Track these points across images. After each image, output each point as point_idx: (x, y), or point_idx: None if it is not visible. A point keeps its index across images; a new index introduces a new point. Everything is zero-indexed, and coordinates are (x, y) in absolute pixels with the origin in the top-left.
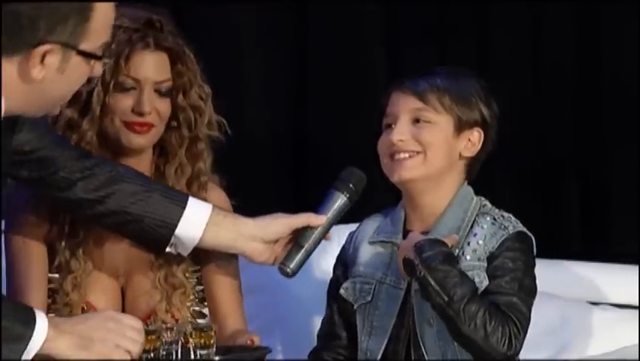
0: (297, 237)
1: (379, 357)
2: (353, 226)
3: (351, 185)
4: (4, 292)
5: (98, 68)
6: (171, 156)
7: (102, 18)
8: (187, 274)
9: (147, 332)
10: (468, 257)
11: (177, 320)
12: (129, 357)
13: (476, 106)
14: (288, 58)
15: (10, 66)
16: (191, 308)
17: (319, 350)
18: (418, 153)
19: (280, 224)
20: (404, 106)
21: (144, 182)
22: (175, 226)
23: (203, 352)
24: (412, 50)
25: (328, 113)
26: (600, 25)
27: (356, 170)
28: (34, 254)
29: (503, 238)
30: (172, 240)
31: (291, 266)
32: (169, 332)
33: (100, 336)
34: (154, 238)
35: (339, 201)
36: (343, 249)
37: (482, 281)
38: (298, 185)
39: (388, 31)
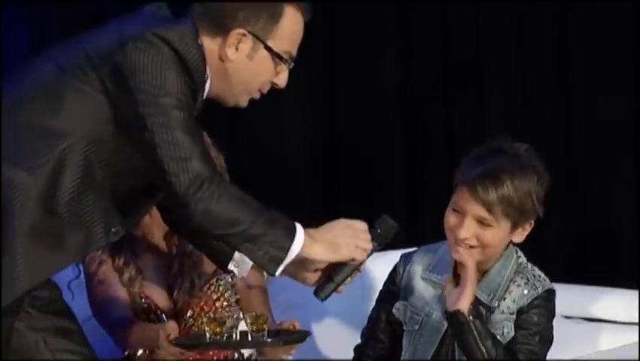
0: (332, 270)
1: None
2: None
3: (381, 231)
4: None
5: (282, 78)
6: None
7: (289, 26)
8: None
9: (213, 319)
10: (503, 311)
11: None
12: (365, 255)
13: (532, 208)
14: (318, 77)
15: (213, 45)
16: (226, 309)
17: (363, 346)
18: (477, 247)
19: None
20: (472, 209)
21: None
22: None
23: (257, 335)
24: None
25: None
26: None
27: (388, 219)
28: (112, 282)
29: (532, 298)
30: (236, 256)
31: (322, 294)
32: (230, 319)
33: (344, 241)
34: (222, 251)
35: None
36: (395, 270)
37: (509, 331)
38: (329, 195)
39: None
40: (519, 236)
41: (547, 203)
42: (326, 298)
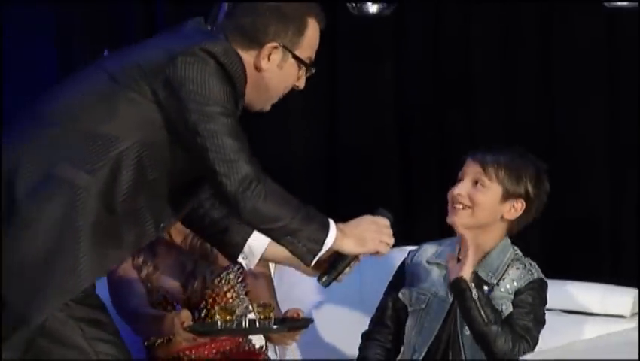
0: (334, 259)
1: (425, 350)
2: None
3: None
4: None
5: (302, 81)
6: None
7: (311, 35)
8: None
9: (224, 308)
10: (502, 290)
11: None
12: (389, 248)
13: (524, 183)
14: (320, 90)
15: (248, 57)
16: (236, 299)
17: (371, 332)
18: (469, 207)
19: None
20: (471, 170)
21: None
22: (249, 235)
23: (264, 322)
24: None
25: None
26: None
27: (384, 211)
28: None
29: (528, 281)
30: (245, 249)
31: (324, 280)
32: (239, 308)
33: (370, 236)
34: (232, 244)
35: None
36: (404, 262)
37: (508, 308)
38: (329, 196)
39: (397, 50)
40: (509, 213)
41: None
42: (329, 284)
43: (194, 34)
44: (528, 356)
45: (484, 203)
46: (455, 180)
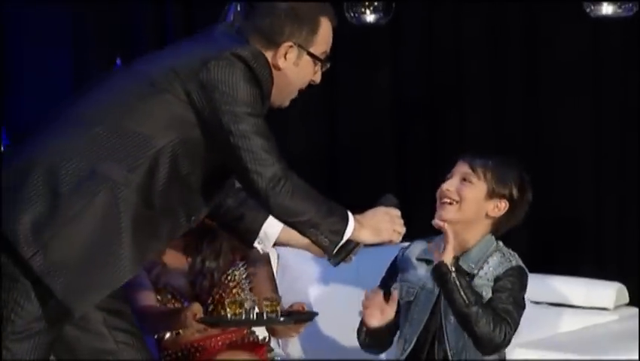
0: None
1: (414, 339)
2: None
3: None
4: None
5: (318, 75)
6: None
7: (324, 33)
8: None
9: (233, 301)
10: (482, 276)
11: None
12: (401, 237)
13: (508, 186)
14: (321, 96)
15: (267, 57)
16: (242, 294)
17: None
18: (456, 202)
19: None
20: (460, 168)
21: None
22: (263, 221)
23: (271, 315)
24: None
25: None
26: None
27: (391, 196)
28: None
29: (507, 268)
30: (260, 234)
31: (335, 260)
32: (247, 301)
33: (384, 226)
34: (248, 230)
35: None
36: (396, 258)
37: (488, 294)
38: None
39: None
40: (493, 210)
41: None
42: (338, 264)
43: (223, 39)
44: (516, 347)
45: (470, 198)
46: (445, 179)
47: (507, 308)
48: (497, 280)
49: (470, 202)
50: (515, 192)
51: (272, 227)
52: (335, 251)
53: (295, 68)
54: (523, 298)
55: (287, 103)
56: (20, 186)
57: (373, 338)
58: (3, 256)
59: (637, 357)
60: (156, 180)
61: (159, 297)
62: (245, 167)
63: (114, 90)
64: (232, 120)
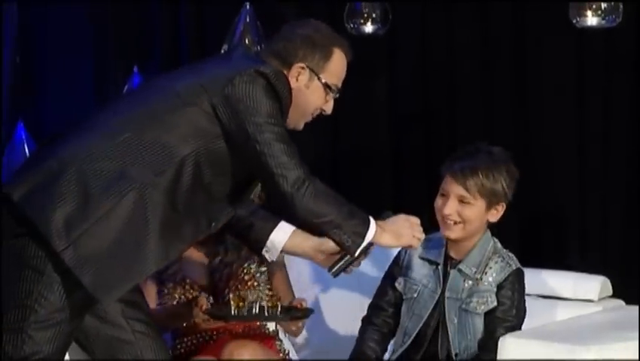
0: (343, 253)
1: (414, 333)
2: None
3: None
4: None
5: (329, 106)
6: None
7: (337, 63)
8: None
9: (237, 295)
10: (486, 283)
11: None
12: (420, 242)
13: (502, 190)
14: None
15: None
16: (264, 291)
17: (369, 316)
18: (460, 222)
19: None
20: (454, 190)
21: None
22: (271, 231)
23: (272, 311)
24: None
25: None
26: None
27: (389, 213)
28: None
29: (508, 274)
30: (268, 243)
31: (334, 271)
32: (251, 295)
33: (405, 232)
34: (256, 239)
35: None
36: (399, 254)
37: (493, 301)
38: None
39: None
40: (494, 216)
41: (516, 190)
42: (338, 275)
43: (244, 59)
44: (508, 337)
45: (473, 217)
46: (437, 191)
47: (512, 326)
48: (500, 287)
49: (473, 221)
50: (508, 192)
51: (279, 237)
52: (337, 263)
53: (306, 90)
54: (524, 302)
55: (301, 126)
56: (53, 185)
57: None
58: (30, 249)
59: (621, 346)
60: (181, 185)
61: (178, 290)
62: (271, 172)
63: (141, 102)
64: (257, 130)
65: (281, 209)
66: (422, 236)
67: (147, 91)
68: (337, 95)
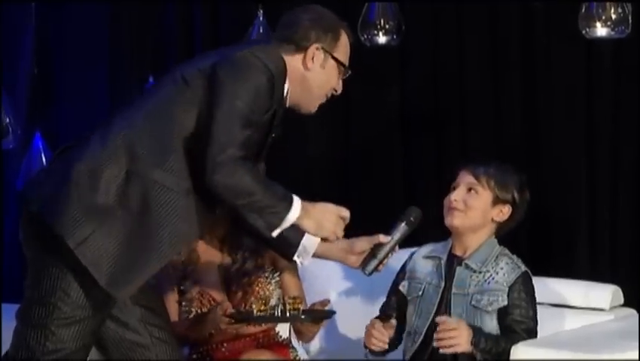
0: (374, 250)
1: (424, 330)
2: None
3: (411, 218)
4: None
5: (340, 84)
6: None
7: (344, 43)
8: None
9: (259, 298)
10: (497, 282)
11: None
12: (341, 235)
13: (511, 192)
14: (336, 110)
15: (295, 62)
16: (267, 291)
17: (378, 318)
18: (464, 210)
19: (363, 241)
20: (464, 179)
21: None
22: (302, 235)
23: (294, 312)
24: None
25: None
26: None
27: (415, 208)
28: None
29: (517, 275)
30: (300, 248)
31: (368, 269)
32: (272, 299)
33: (327, 225)
34: (288, 245)
35: (402, 227)
36: (405, 263)
37: (504, 300)
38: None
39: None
40: (498, 215)
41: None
42: (371, 273)
43: (250, 43)
44: (520, 345)
45: (477, 207)
46: (449, 188)
47: (529, 328)
48: (511, 288)
49: (476, 210)
50: (517, 196)
51: (310, 241)
52: (368, 262)
53: (322, 70)
54: (536, 304)
55: (314, 108)
56: (65, 186)
57: (376, 354)
58: (51, 248)
59: (634, 355)
60: (187, 174)
61: (194, 304)
62: (211, 135)
63: (147, 104)
64: (223, 101)
65: (201, 176)
66: (341, 235)
67: (154, 95)
68: (349, 72)
